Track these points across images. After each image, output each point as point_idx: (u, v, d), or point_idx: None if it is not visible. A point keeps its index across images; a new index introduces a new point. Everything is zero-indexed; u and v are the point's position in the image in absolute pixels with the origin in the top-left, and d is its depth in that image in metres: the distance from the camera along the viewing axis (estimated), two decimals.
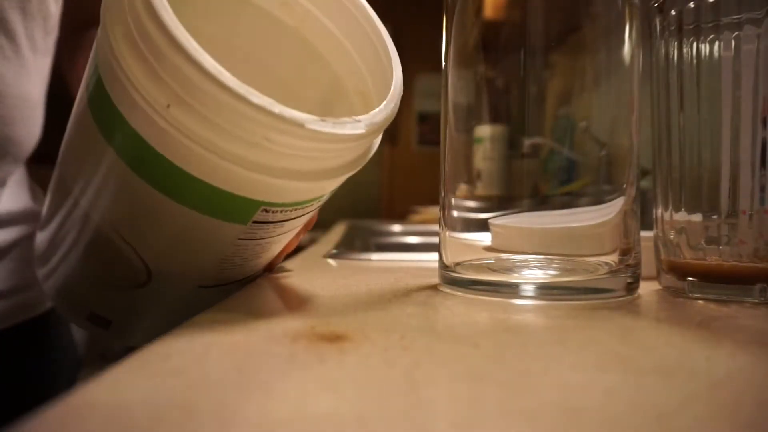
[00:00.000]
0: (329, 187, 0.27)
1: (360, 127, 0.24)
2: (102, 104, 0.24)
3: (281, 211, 0.26)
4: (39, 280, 0.39)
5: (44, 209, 0.36)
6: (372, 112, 0.25)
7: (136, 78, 0.22)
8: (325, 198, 0.29)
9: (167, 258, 0.29)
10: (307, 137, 0.23)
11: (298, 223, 0.30)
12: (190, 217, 0.26)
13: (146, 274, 0.30)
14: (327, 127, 0.23)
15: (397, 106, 0.27)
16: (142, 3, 0.22)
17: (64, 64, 0.55)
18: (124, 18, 0.22)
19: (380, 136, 0.29)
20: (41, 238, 0.37)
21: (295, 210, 0.27)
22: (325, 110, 0.32)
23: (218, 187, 0.24)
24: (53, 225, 0.34)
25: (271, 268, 0.37)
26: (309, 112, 0.23)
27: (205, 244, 0.28)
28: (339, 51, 0.32)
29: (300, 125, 0.22)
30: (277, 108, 0.22)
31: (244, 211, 0.26)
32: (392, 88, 0.27)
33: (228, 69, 0.22)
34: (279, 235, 0.29)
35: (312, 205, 0.28)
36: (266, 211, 0.26)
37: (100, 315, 0.36)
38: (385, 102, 0.26)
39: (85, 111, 0.26)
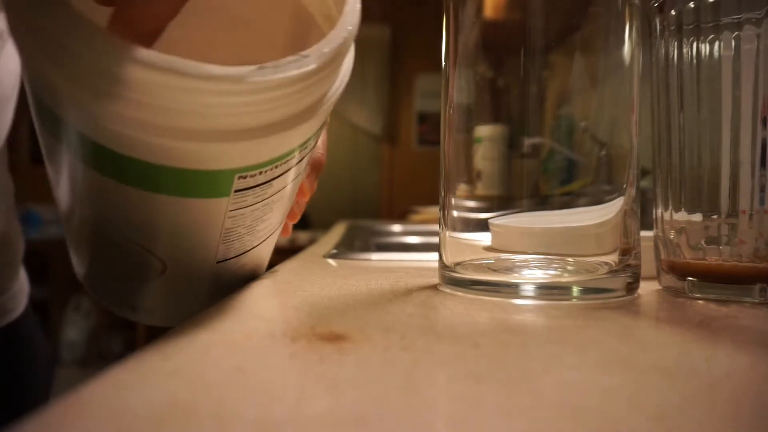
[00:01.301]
0: (307, 131, 0.25)
1: (309, 62, 0.21)
2: (41, 106, 0.23)
3: (260, 173, 0.24)
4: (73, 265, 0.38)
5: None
6: (320, 43, 0.22)
7: (57, 82, 0.20)
8: (312, 143, 0.26)
9: (172, 246, 0.28)
10: (251, 91, 0.20)
11: (293, 175, 0.27)
12: (170, 203, 0.24)
13: (161, 264, 0.29)
14: (268, 74, 0.20)
15: (356, 28, 0.24)
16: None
17: None
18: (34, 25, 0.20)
19: (351, 57, 0.26)
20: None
21: (277, 167, 0.25)
22: (298, 44, 0.29)
23: (182, 168, 0.22)
24: (63, 221, 0.33)
25: (294, 219, 0.36)
26: (282, 51, 0.21)
27: (199, 224, 0.26)
28: None
29: (238, 81, 0.20)
30: (206, 69, 0.19)
31: (220, 183, 0.24)
32: (346, 5, 0.24)
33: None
34: (274, 194, 0.27)
35: (296, 154, 0.26)
36: (243, 177, 0.24)
37: (141, 306, 0.35)
38: (336, 27, 0.23)
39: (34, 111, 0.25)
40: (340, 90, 0.26)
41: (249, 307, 0.26)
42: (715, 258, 0.29)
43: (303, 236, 2.05)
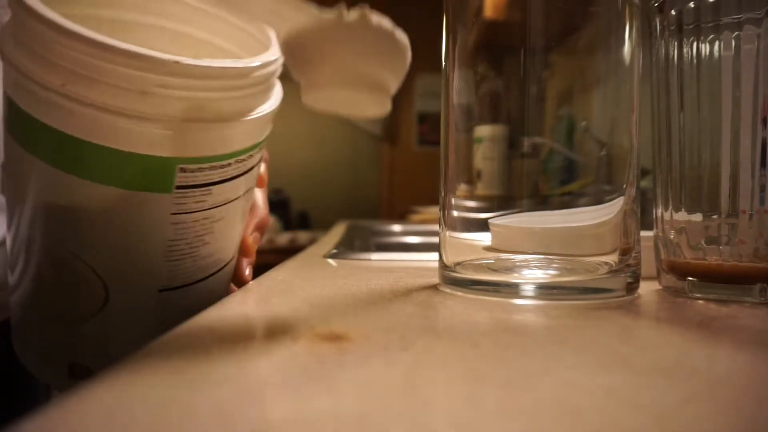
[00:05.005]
0: (242, 140, 0.29)
1: (246, 62, 0.27)
2: (12, 112, 0.26)
3: (200, 170, 0.27)
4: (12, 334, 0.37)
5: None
6: (256, 57, 0.28)
7: (28, 69, 0.24)
8: (249, 165, 0.30)
9: (114, 259, 0.29)
10: (185, 74, 0.25)
11: (231, 195, 0.30)
12: (114, 196, 0.26)
13: (103, 289, 0.29)
14: (203, 63, 0.25)
15: (281, 63, 0.29)
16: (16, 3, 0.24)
17: None
18: (10, 22, 0.25)
19: (280, 89, 0.31)
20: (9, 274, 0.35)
21: (214, 169, 0.28)
22: None
23: (128, 151, 0.25)
24: (10, 256, 0.33)
25: (239, 279, 0.37)
26: None
27: (142, 228, 0.28)
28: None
29: (176, 62, 0.24)
30: (159, 54, 0.24)
31: (162, 173, 0.27)
32: (271, 41, 0.31)
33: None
34: (214, 207, 0.29)
35: (232, 163, 0.29)
36: (184, 170, 0.27)
37: (80, 363, 0.33)
38: (270, 50, 0.29)
39: None
40: (271, 110, 0.30)
41: (249, 308, 0.26)
42: (715, 258, 0.29)
43: (303, 236, 2.05)
